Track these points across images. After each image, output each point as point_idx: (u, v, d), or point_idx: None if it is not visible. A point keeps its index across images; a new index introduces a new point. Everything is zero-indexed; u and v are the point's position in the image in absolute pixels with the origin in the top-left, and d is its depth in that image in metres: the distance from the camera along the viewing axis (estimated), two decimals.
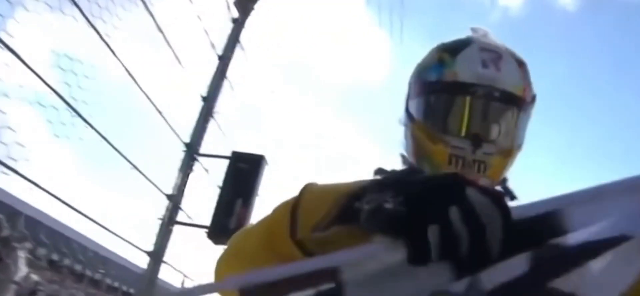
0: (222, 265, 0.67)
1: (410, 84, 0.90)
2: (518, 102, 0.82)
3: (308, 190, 0.63)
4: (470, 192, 0.41)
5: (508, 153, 0.83)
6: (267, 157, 4.87)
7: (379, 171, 0.85)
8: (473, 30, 0.91)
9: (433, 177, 0.48)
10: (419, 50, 0.92)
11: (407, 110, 0.90)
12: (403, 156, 0.93)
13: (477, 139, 0.79)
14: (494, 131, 0.82)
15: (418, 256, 0.40)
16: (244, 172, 4.65)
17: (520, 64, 0.83)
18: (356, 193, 0.51)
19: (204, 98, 5.06)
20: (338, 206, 0.54)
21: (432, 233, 0.39)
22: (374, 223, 0.45)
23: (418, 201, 0.42)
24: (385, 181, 0.54)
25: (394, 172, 0.79)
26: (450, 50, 0.83)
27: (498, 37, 0.89)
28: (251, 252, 0.63)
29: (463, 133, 0.80)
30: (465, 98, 0.81)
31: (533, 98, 0.86)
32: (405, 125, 0.90)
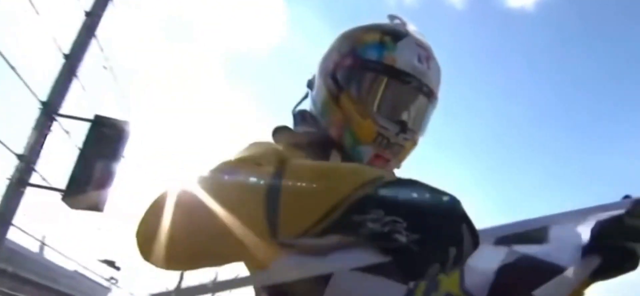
0: (159, 246, 0.53)
1: (338, 52, 0.90)
2: (434, 99, 0.91)
3: (288, 175, 0.51)
4: (464, 231, 0.47)
5: (416, 142, 0.92)
6: (141, 119, 4.75)
7: (282, 129, 0.91)
8: (391, 17, 0.95)
9: (446, 210, 0.47)
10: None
11: (333, 76, 0.88)
12: (303, 115, 0.94)
13: (403, 125, 0.86)
14: (414, 121, 0.89)
15: (409, 278, 0.59)
16: (107, 137, 4.52)
17: (439, 67, 0.92)
18: (356, 205, 0.47)
19: (66, 56, 4.77)
20: (335, 216, 0.47)
21: (432, 269, 0.47)
22: (381, 248, 0.48)
23: (430, 242, 0.45)
24: (391, 200, 0.47)
25: (398, 182, 0.52)
26: (392, 35, 0.87)
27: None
28: (205, 237, 0.53)
29: (393, 116, 0.85)
30: (400, 85, 0.85)
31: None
32: (329, 90, 0.88)
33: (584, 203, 0.67)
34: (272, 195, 0.49)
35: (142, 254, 0.56)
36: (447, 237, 0.46)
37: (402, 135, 0.85)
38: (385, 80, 0.85)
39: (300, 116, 0.95)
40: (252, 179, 0.53)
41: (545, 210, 0.63)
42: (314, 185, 0.49)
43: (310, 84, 0.96)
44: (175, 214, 0.53)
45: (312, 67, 0.99)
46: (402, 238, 0.45)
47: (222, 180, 0.56)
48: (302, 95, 0.99)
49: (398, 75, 0.84)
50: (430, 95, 0.88)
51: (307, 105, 0.97)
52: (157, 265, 0.56)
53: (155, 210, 0.55)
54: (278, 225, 0.49)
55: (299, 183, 0.50)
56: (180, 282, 10.23)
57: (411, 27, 0.91)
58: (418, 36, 0.89)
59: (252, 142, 0.77)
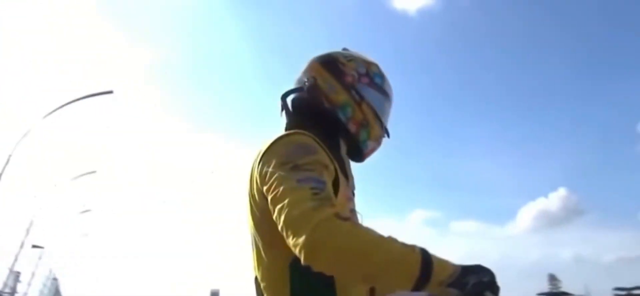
0: (342, 256, 0.82)
1: (356, 71, 1.23)
2: None
3: (432, 258, 0.85)
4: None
5: None
6: None
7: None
8: (346, 49, 1.29)
9: (494, 282, 0.85)
10: None
11: (353, 87, 1.20)
12: (308, 106, 1.20)
13: (388, 132, 1.28)
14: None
15: None
16: None
17: None
18: (465, 272, 0.85)
19: None
20: (458, 274, 0.85)
21: None
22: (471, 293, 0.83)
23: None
24: (480, 274, 0.85)
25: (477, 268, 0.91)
26: (380, 69, 1.28)
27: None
28: (383, 259, 0.82)
29: (386, 125, 1.27)
30: (390, 105, 1.28)
31: None
32: (353, 97, 1.20)
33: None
34: (426, 260, 0.84)
35: (316, 258, 0.83)
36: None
37: (385, 139, 1.29)
38: (385, 101, 1.26)
39: (306, 108, 1.22)
40: (405, 246, 0.85)
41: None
42: (448, 260, 0.87)
43: (307, 82, 1.22)
44: (356, 244, 0.83)
45: None
46: (489, 293, 0.83)
47: (383, 239, 0.85)
48: (296, 87, 1.25)
49: (389, 99, 1.28)
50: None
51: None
52: (321, 268, 0.84)
53: (341, 237, 0.83)
54: (431, 277, 0.83)
55: (441, 259, 0.86)
56: None
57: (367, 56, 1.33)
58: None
59: (300, 140, 1.04)
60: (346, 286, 1.00)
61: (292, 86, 1.26)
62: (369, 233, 0.85)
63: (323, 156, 1.03)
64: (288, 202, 0.89)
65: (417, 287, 0.82)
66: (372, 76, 1.24)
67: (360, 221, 1.10)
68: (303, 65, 1.27)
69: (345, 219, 0.85)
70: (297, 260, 0.85)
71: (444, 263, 0.86)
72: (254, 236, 1.09)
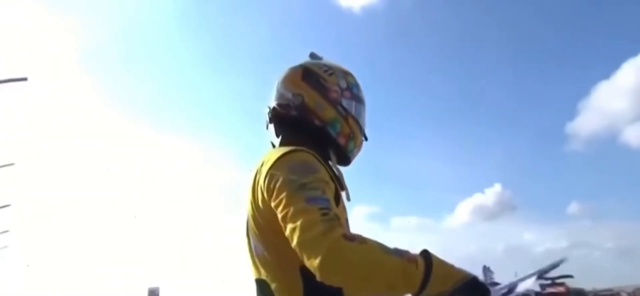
0: (351, 276, 0.93)
1: (339, 86, 1.32)
2: None
3: (434, 261, 0.96)
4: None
5: None
6: None
7: (300, 146, 1.20)
8: (313, 54, 1.38)
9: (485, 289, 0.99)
10: None
11: (339, 103, 1.30)
12: (299, 123, 1.28)
13: (366, 136, 1.40)
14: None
15: None
16: None
17: None
18: (464, 284, 0.97)
19: None
20: (454, 286, 0.96)
21: None
22: None
23: None
24: (477, 286, 0.99)
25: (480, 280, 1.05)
26: (355, 77, 1.38)
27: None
28: (387, 276, 0.93)
29: (365, 131, 1.39)
30: (365, 110, 1.39)
31: None
32: (340, 113, 1.30)
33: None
34: (428, 271, 0.94)
35: (329, 279, 0.94)
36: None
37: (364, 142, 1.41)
38: (364, 108, 1.38)
39: (296, 123, 1.30)
40: (410, 260, 0.95)
41: None
42: (450, 269, 0.98)
43: (295, 101, 1.29)
44: (363, 264, 0.93)
45: None
46: None
47: (387, 256, 0.95)
48: (280, 102, 1.32)
49: (365, 105, 1.40)
50: None
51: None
52: (334, 285, 0.94)
53: (349, 260, 0.93)
54: (426, 288, 0.93)
55: (443, 269, 0.97)
56: None
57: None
58: None
59: (303, 158, 1.13)
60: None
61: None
62: (373, 251, 0.94)
63: (324, 173, 1.12)
64: (300, 224, 0.97)
65: None
66: (351, 88, 1.34)
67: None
68: (279, 75, 1.34)
69: (352, 239, 0.94)
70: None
71: (442, 277, 0.96)
72: (256, 241, 1.18)
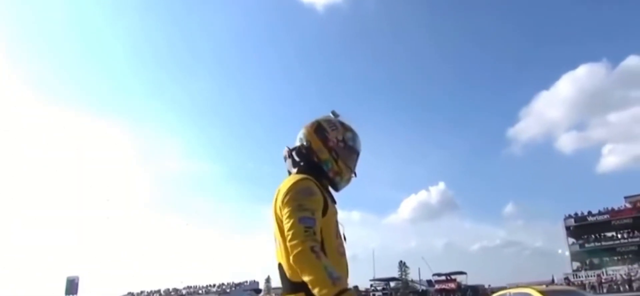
0: (307, 267, 1.52)
1: (336, 138, 1.89)
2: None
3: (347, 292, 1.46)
4: None
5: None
6: None
7: (307, 174, 1.79)
8: (334, 113, 1.98)
9: None
10: None
11: (334, 149, 1.87)
12: (304, 157, 1.88)
13: (355, 174, 1.96)
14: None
15: None
16: None
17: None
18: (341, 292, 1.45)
19: None
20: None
21: None
22: None
23: None
24: None
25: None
26: (354, 133, 1.94)
27: None
28: (315, 280, 1.48)
29: (354, 170, 1.95)
30: (356, 157, 1.95)
31: None
32: (333, 157, 1.87)
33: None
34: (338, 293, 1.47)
35: (295, 264, 1.55)
36: None
37: (353, 178, 1.98)
38: (355, 156, 1.95)
39: (304, 158, 1.92)
40: (334, 284, 1.47)
41: None
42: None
43: (306, 144, 1.91)
44: (310, 269, 1.51)
45: None
46: None
47: (323, 272, 1.49)
48: (297, 145, 1.94)
49: (358, 153, 1.97)
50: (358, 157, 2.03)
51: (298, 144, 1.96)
52: (297, 268, 1.56)
53: (305, 262, 1.53)
54: None
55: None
56: None
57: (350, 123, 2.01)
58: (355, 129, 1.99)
59: (306, 185, 1.72)
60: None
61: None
62: (317, 264, 1.50)
63: (319, 195, 1.70)
64: (291, 234, 1.57)
65: None
66: (347, 140, 1.91)
67: (341, 230, 1.83)
68: (302, 128, 1.95)
69: (314, 252, 1.52)
70: None
71: None
72: (280, 240, 1.73)
